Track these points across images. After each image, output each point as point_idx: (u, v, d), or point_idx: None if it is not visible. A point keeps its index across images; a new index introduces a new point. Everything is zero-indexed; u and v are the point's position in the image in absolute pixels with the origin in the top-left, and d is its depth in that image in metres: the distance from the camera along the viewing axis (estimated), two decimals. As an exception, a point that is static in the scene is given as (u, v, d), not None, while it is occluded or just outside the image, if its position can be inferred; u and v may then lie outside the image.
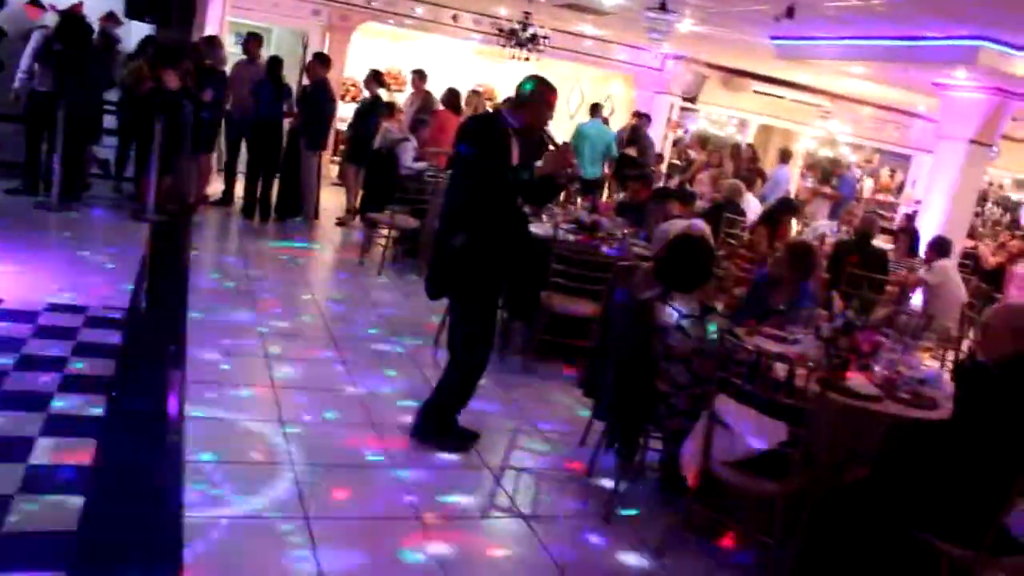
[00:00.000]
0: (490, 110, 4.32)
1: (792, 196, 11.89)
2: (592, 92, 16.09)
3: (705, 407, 3.67)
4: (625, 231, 6.46)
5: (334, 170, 12.83)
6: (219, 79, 9.21)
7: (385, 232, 8.45)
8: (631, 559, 3.73)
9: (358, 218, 9.84)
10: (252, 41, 9.89)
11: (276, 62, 9.53)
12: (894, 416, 3.66)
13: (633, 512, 4.12)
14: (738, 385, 3.55)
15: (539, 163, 4.20)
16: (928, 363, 5.36)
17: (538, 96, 4.29)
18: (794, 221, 10.00)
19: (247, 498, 3.61)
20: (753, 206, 9.78)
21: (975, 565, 3.33)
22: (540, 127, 4.32)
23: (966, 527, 3.24)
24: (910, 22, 8.06)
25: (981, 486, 3.24)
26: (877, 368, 4.06)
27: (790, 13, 7.74)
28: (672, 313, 3.88)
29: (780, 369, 3.84)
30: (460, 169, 4.42)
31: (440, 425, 4.47)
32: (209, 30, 10.08)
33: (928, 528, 3.39)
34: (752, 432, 3.48)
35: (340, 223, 10.17)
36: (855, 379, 3.86)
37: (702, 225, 5.42)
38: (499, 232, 4.23)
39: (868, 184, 17.33)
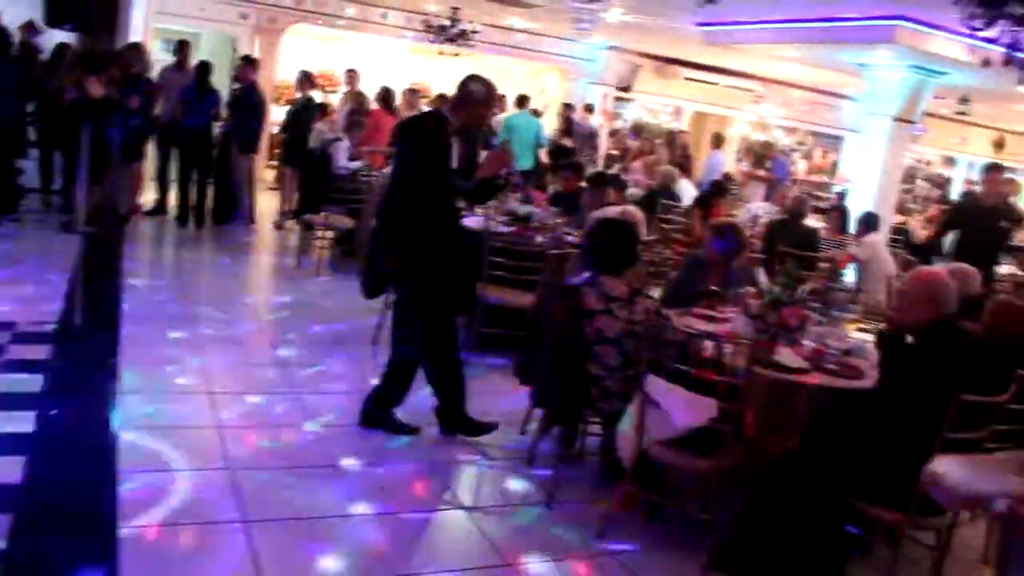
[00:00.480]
0: (426, 109, 4.33)
1: (726, 180, 12.04)
2: (527, 85, 16.13)
3: (638, 389, 3.72)
4: (558, 220, 6.49)
5: (271, 174, 12.70)
6: (145, 86, 9.06)
7: (322, 233, 8.39)
8: (574, 544, 3.76)
9: (295, 220, 9.77)
10: (183, 47, 9.76)
11: (204, 67, 9.41)
12: (820, 387, 3.75)
13: (574, 497, 4.16)
14: (668, 365, 3.60)
15: (480, 162, 4.23)
16: (860, 335, 5.50)
17: (478, 96, 4.31)
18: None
19: (183, 503, 3.57)
20: (687, 192, 9.90)
21: (903, 526, 3.43)
22: (479, 127, 4.36)
23: (894, 491, 3.33)
24: (831, 3, 8.23)
25: (905, 450, 3.33)
26: (805, 342, 4.16)
27: (712, -1, 7.85)
28: (600, 297, 3.92)
29: (712, 348, 3.90)
30: (401, 171, 4.39)
31: (455, 421, 4.58)
32: (133, 37, 9.90)
33: (859, 494, 3.48)
34: (683, 410, 3.53)
35: (277, 226, 10.08)
36: (783, 353, 3.94)
37: (635, 211, 5.47)
38: (438, 234, 4.27)
39: (802, 165, 17.64)
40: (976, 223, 7.82)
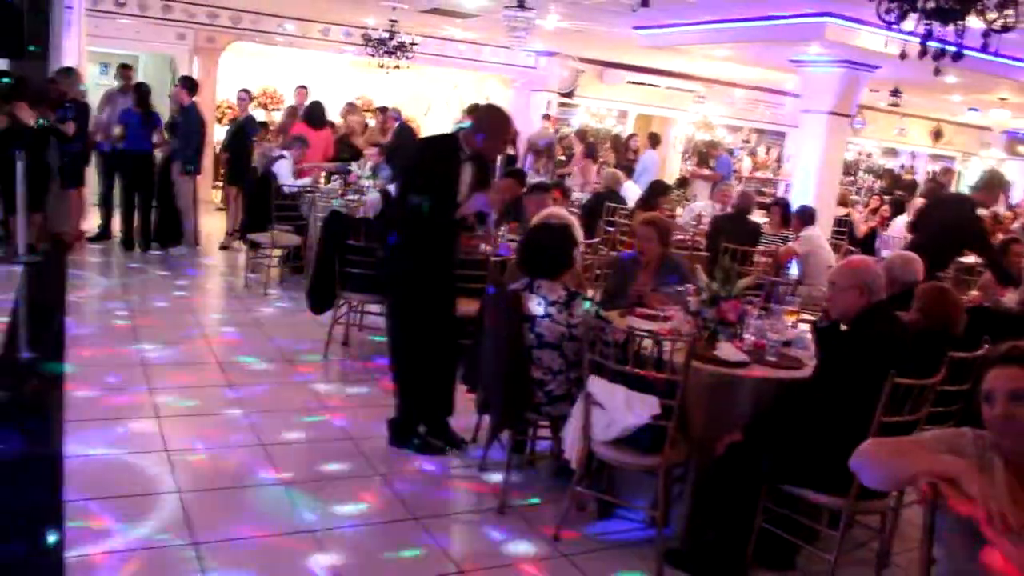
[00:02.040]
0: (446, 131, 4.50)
1: (666, 179, 12.20)
2: (471, 95, 16.19)
3: (581, 390, 3.75)
4: (501, 228, 6.52)
5: (218, 195, 12.59)
6: (82, 111, 8.94)
7: (269, 252, 8.34)
8: (527, 548, 3.78)
9: (241, 240, 9.69)
10: (125, 70, 9.69)
11: (143, 89, 9.32)
12: (761, 380, 3.81)
13: (526, 502, 4.18)
14: (609, 365, 3.64)
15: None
16: (802, 326, 5.59)
17: (495, 127, 4.47)
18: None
19: (132, 529, 3.53)
20: (632, 193, 10.00)
21: (846, 511, 3.50)
22: (493, 157, 4.46)
23: (835, 477, 3.39)
24: (762, 2, 8.38)
25: (842, 435, 3.40)
26: (746, 336, 4.23)
27: (645, 2, 7.94)
28: (539, 301, 3.95)
29: (652, 346, 3.96)
30: (405, 183, 4.51)
31: (399, 435, 4.65)
32: (67, 61, 9.75)
33: (802, 482, 3.54)
34: (624, 409, 3.57)
35: (223, 247, 10.01)
36: (723, 348, 4.00)
37: (561, 212, 5.50)
38: (429, 245, 4.43)
39: (747, 163, 17.88)
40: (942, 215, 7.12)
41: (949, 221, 6.35)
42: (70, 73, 9.04)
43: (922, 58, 4.56)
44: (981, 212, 6.94)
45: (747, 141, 19.36)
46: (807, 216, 8.08)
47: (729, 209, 9.14)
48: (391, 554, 3.64)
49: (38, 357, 5.58)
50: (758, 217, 9.11)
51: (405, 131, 11.28)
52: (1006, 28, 4.63)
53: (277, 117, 14.13)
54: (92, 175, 9.76)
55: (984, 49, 4.60)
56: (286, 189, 8.52)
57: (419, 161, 4.51)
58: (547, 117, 14.02)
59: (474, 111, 12.41)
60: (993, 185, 6.72)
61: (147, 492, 3.89)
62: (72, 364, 5.44)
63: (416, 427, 4.65)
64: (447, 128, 13.87)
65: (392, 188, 7.00)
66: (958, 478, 2.10)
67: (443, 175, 4.34)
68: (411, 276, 4.49)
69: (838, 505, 3.51)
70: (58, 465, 4.03)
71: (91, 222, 9.77)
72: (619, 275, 5.03)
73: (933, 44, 4.58)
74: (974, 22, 4.71)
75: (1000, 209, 13.29)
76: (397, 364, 4.67)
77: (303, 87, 11.82)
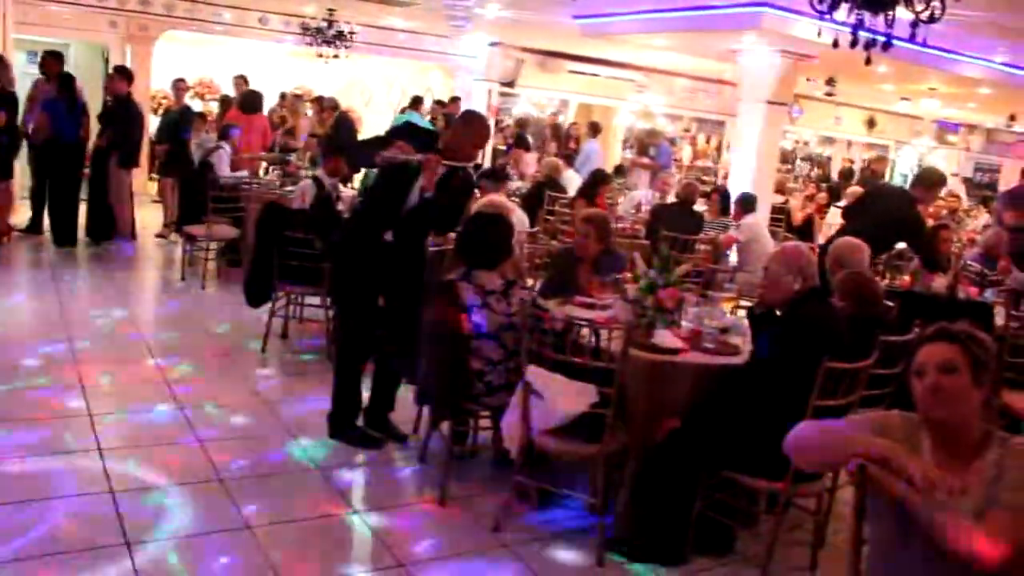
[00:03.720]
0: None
1: (606, 168, 12.25)
2: (413, 85, 16.08)
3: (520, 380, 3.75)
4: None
5: (154, 187, 12.33)
6: (10, 101, 8.65)
7: (206, 245, 8.19)
8: (468, 538, 3.77)
9: (177, 233, 9.50)
10: (49, 60, 9.32)
11: (67, 79, 9.05)
12: (697, 366, 3.84)
13: (467, 492, 4.17)
14: (547, 354, 3.64)
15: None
16: (739, 313, 5.66)
17: (472, 135, 4.47)
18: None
19: (64, 532, 3.44)
20: (573, 182, 10.02)
21: (782, 495, 3.56)
22: (465, 160, 4.48)
23: (771, 461, 3.43)
24: (699, -8, 8.45)
25: (777, 420, 3.44)
26: (683, 323, 4.26)
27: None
28: (477, 291, 3.94)
29: (590, 334, 3.97)
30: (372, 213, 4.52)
31: (338, 427, 4.60)
32: (-7, 50, 9.46)
33: (740, 467, 3.59)
34: (563, 398, 3.58)
35: (160, 236, 9.84)
36: (661, 335, 4.02)
37: (503, 201, 5.49)
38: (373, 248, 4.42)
39: (687, 151, 18.06)
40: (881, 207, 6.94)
41: (891, 212, 6.44)
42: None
43: (853, 47, 4.63)
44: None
45: (687, 130, 19.56)
46: (748, 204, 8.18)
47: (673, 198, 9.21)
48: (330, 547, 3.60)
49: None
50: (699, 206, 9.19)
51: (344, 121, 11.15)
52: (933, 19, 4.73)
53: (214, 107, 13.90)
54: (22, 168, 9.50)
55: (912, 39, 4.70)
56: (223, 180, 8.38)
57: (384, 190, 4.46)
58: (454, 100, 13.92)
59: (415, 104, 12.36)
60: (933, 184, 6.81)
61: (78, 492, 3.79)
62: (-1, 362, 5.29)
63: (354, 419, 4.61)
64: (388, 118, 13.79)
65: (321, 174, 6.93)
66: (888, 459, 2.14)
67: (402, 195, 4.36)
68: (356, 272, 4.46)
69: (775, 488, 3.56)
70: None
71: (21, 216, 9.48)
72: (559, 267, 5.03)
73: (864, 34, 4.66)
74: (903, 12, 4.80)
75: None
76: (341, 355, 4.63)
77: (241, 76, 11.63)
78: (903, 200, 6.64)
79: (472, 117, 4.65)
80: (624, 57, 15.22)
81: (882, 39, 4.70)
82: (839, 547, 3.94)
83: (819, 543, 3.86)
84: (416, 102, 12.58)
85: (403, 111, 12.41)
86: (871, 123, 19.94)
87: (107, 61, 12.63)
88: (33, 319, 6.40)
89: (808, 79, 13.12)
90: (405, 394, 4.69)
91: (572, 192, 9.36)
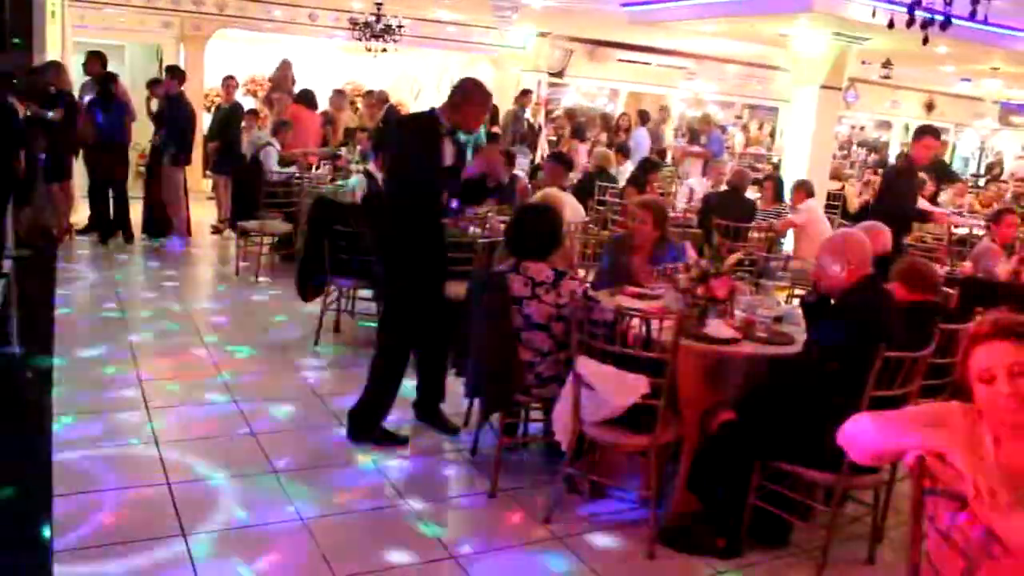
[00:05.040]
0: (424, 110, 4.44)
1: (657, 156, 12.14)
2: (462, 76, 16.06)
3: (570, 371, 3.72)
4: (490, 210, 6.47)
5: (208, 184, 12.52)
6: (68, 104, 8.85)
7: (259, 240, 8.29)
8: (519, 530, 3.77)
9: (231, 228, 9.64)
10: (91, 60, 9.49)
11: (107, 79, 9.20)
12: (750, 356, 3.78)
13: (519, 484, 4.16)
14: (597, 345, 3.61)
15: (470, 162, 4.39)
16: (794, 301, 5.56)
17: (472, 98, 4.38)
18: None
19: (123, 521, 3.51)
20: (625, 173, 9.94)
21: (838, 487, 3.49)
22: (470, 129, 4.49)
23: (826, 453, 3.36)
24: (749, -24, 8.30)
25: (832, 411, 3.37)
26: (736, 312, 4.20)
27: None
28: (526, 282, 3.92)
29: (641, 324, 3.92)
30: (392, 166, 4.44)
31: (363, 428, 4.51)
32: (52, 54, 9.67)
33: (794, 459, 3.52)
34: (613, 389, 3.55)
35: (215, 231, 10.02)
36: (714, 325, 3.96)
37: (558, 194, 5.46)
38: (418, 231, 4.35)
39: (739, 138, 17.80)
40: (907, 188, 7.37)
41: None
42: (55, 66, 8.95)
43: (910, 27, 4.49)
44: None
45: (739, 117, 19.29)
46: (807, 188, 8.05)
47: (724, 187, 9.09)
48: (382, 539, 3.62)
49: (27, 352, 5.55)
50: (750, 193, 9.06)
51: (392, 114, 11.20)
52: (994, -6, 4.58)
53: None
54: (81, 168, 9.71)
55: (973, 17, 4.55)
56: (275, 176, 8.47)
57: (400, 140, 4.45)
58: (524, 94, 13.83)
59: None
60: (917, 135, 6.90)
61: (136, 484, 3.86)
62: (61, 357, 5.40)
63: (380, 420, 4.55)
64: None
65: (372, 168, 6.97)
66: (946, 453, 2.07)
67: (426, 153, 4.28)
68: (403, 261, 4.42)
69: (830, 481, 3.49)
70: (48, 458, 4.00)
71: (80, 215, 9.71)
72: (612, 256, 4.98)
73: (921, 13, 4.52)
74: (962, -11, 4.65)
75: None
76: (385, 354, 4.54)
77: (286, 61, 11.73)
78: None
79: (468, 89, 4.42)
80: (673, 44, 15.07)
81: (940, 18, 4.56)
82: (898, 541, 3.86)
83: (877, 537, 3.78)
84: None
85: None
86: (930, 106, 19.46)
87: (161, 61, 12.85)
88: (91, 314, 6.53)
89: (863, 62, 12.82)
90: (456, 387, 4.70)
91: (623, 182, 9.29)
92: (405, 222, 4.35)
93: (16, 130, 7.50)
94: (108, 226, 9.23)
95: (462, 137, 4.48)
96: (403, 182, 4.41)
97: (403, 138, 4.49)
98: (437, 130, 4.31)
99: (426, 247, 4.42)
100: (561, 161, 7.85)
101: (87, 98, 9.21)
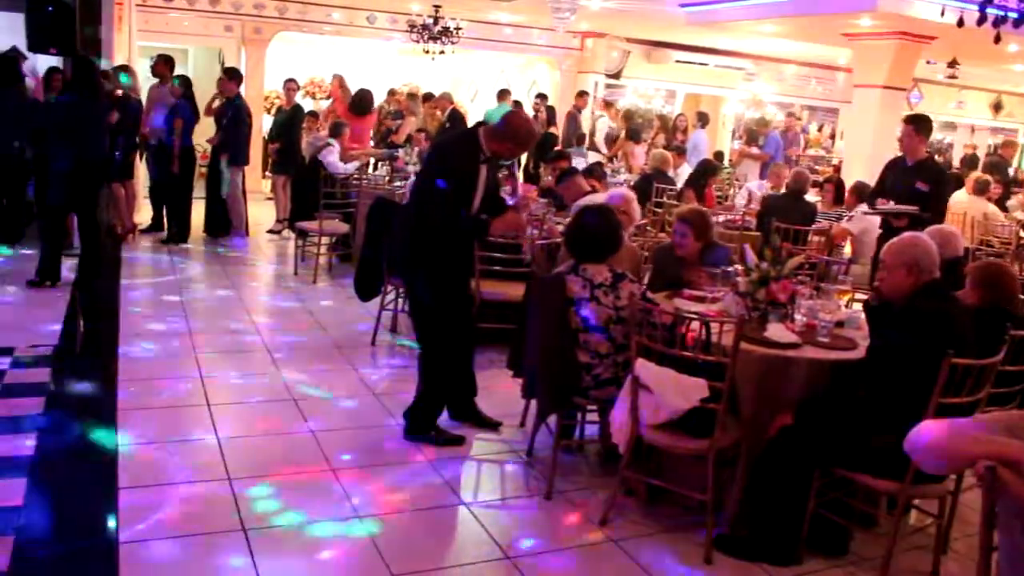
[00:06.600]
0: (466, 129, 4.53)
1: (716, 158, 12.04)
2: (519, 78, 16.11)
3: (628, 373, 3.70)
4: (546, 212, 6.47)
5: (267, 185, 12.73)
6: (134, 106, 9.06)
7: (317, 240, 8.40)
8: (575, 532, 3.76)
9: (290, 229, 9.78)
10: (158, 63, 9.71)
11: (187, 83, 9.41)
12: (811, 361, 3.72)
13: (575, 486, 4.15)
14: (656, 348, 3.59)
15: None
16: (855, 306, 5.46)
17: (515, 136, 4.40)
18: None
19: (185, 517, 3.58)
20: (682, 174, 9.87)
21: (901, 495, 3.42)
22: (508, 159, 4.62)
23: (890, 460, 3.30)
24: (811, -24, 8.19)
25: (897, 418, 3.31)
26: (797, 316, 4.14)
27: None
28: (585, 284, 3.91)
29: (700, 328, 3.89)
30: (429, 192, 4.39)
31: (419, 426, 4.55)
32: (119, 58, 9.90)
33: (857, 466, 3.46)
34: (673, 392, 3.52)
35: (273, 232, 10.16)
36: (774, 329, 3.92)
37: (620, 197, 5.42)
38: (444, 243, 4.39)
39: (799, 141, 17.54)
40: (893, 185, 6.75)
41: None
42: (124, 70, 9.15)
43: (980, 25, 4.39)
44: None
45: (798, 118, 19.01)
46: (861, 192, 7.88)
47: (783, 189, 8.97)
48: (438, 538, 3.64)
49: (92, 347, 5.69)
50: (811, 196, 8.92)
51: (456, 117, 11.28)
52: (1069, -9, 4.45)
53: (324, 106, 14.24)
54: (143, 169, 9.94)
55: (1046, 14, 4.44)
56: (337, 174, 8.57)
57: (445, 163, 4.45)
58: (581, 95, 13.86)
59: (503, 96, 12.44)
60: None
61: (199, 479, 3.94)
62: (124, 353, 5.53)
63: (435, 418, 4.58)
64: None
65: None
66: (1018, 462, 2.01)
67: (465, 176, 4.33)
68: (429, 260, 4.43)
69: (894, 489, 3.43)
70: (112, 454, 4.10)
71: (144, 214, 9.93)
72: (660, 265, 4.95)
73: (993, 10, 4.41)
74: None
75: None
76: (432, 351, 4.55)
77: (338, 76, 11.89)
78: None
79: (515, 126, 4.44)
80: (732, 45, 14.92)
81: (1014, 15, 4.44)
82: (963, 553, 3.77)
83: (941, 548, 3.69)
84: (503, 94, 12.64)
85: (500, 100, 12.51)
86: (998, 106, 18.98)
87: (223, 64, 13.08)
88: (153, 312, 6.67)
89: (928, 62, 12.55)
90: (513, 388, 4.70)
91: (681, 184, 9.22)
92: (421, 246, 4.40)
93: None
94: (169, 226, 9.43)
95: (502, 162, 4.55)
96: (423, 215, 4.38)
97: (446, 166, 4.41)
98: (478, 157, 4.36)
99: (443, 263, 4.43)
100: (594, 175, 7.57)
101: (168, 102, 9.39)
